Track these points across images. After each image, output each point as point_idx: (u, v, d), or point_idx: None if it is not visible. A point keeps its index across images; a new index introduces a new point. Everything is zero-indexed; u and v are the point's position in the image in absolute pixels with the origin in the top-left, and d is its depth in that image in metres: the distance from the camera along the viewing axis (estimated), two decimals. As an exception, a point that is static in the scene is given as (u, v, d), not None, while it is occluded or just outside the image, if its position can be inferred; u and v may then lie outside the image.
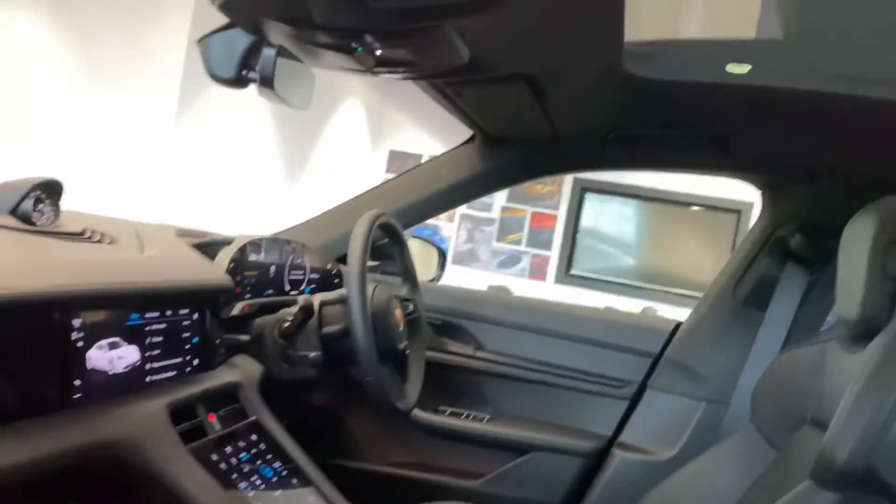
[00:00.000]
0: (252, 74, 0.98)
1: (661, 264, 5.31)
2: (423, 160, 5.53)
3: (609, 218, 5.42)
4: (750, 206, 4.80)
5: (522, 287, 5.21)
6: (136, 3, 3.26)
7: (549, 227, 5.39)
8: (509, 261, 5.40)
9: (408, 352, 1.46)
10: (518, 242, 5.39)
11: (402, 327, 1.39)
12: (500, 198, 5.39)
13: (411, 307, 1.52)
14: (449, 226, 5.44)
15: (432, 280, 2.02)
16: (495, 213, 5.40)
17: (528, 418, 1.70)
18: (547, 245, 5.37)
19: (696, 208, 5.12)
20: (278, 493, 1.03)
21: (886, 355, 1.04)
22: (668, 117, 1.42)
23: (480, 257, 5.43)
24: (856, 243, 1.16)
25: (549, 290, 5.30)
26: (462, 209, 5.42)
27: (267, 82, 0.95)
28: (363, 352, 1.20)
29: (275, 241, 1.47)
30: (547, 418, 1.70)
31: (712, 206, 4.99)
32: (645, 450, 1.61)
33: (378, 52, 0.96)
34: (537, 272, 5.37)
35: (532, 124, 1.41)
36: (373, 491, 1.65)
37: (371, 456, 1.71)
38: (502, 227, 5.41)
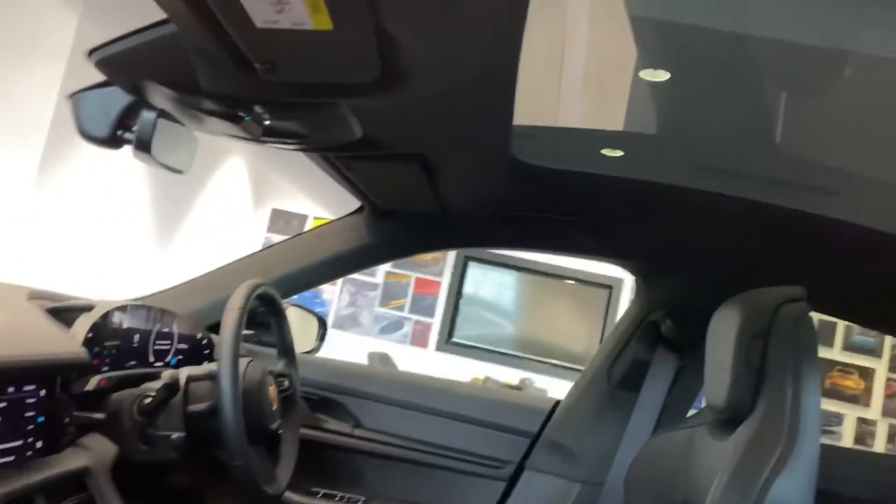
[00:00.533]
0: (128, 135, 0.92)
1: (538, 334, 5.43)
2: (309, 222, 5.45)
3: (490, 287, 5.52)
4: (621, 281, 5.04)
5: (404, 354, 5.16)
6: (5, 49, 3.05)
7: (433, 294, 5.41)
8: (392, 326, 5.36)
9: (280, 431, 1.38)
10: (401, 308, 5.36)
11: (275, 406, 1.32)
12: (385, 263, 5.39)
13: (287, 383, 1.44)
14: (331, 289, 5.34)
15: (311, 351, 1.95)
16: (379, 278, 5.37)
17: (405, 500, 1.65)
18: (430, 312, 5.38)
19: (571, 282, 5.31)
20: None
21: (750, 445, 1.08)
22: (552, 202, 1.47)
23: (362, 322, 5.35)
24: (722, 334, 1.21)
25: (431, 358, 5.28)
26: (346, 272, 5.35)
27: (144, 146, 0.90)
28: (232, 434, 1.12)
29: (140, 308, 1.36)
30: (424, 500, 1.65)
31: (586, 281, 5.20)
32: None
33: (266, 123, 0.93)
34: (419, 339, 5.35)
35: (422, 200, 1.42)
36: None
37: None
38: (386, 292, 5.38)
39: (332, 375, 1.73)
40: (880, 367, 4.96)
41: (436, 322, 5.37)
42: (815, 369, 1.15)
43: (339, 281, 5.35)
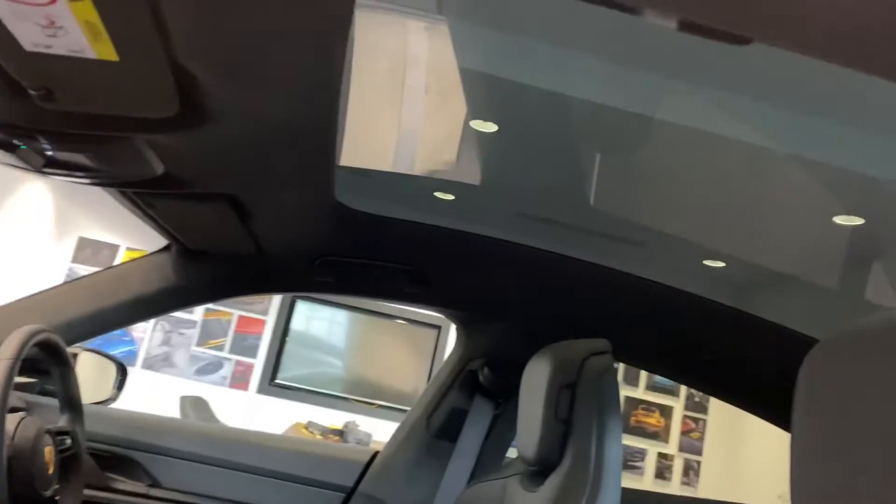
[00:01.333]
0: None
1: (367, 374, 5.36)
2: (121, 253, 5.02)
3: (320, 325, 5.38)
4: (449, 322, 5.11)
5: (222, 397, 4.87)
6: None
7: (256, 333, 5.17)
8: (209, 368, 5.04)
9: (58, 497, 1.21)
10: (221, 348, 5.07)
11: (52, 469, 1.15)
12: (204, 299, 5.08)
13: (69, 441, 1.28)
14: (142, 325, 4.94)
15: (107, 401, 1.75)
16: (198, 316, 5.05)
17: None
18: (252, 352, 5.13)
19: (401, 321, 5.31)
20: None
21: (557, 498, 1.10)
22: (376, 249, 1.44)
23: (176, 363, 4.99)
24: (533, 385, 1.23)
25: (251, 401, 5.02)
26: (160, 309, 4.98)
27: None
28: None
29: None
30: None
31: (416, 321, 5.23)
32: None
33: (48, 154, 0.82)
34: (239, 381, 5.07)
35: (235, 242, 1.33)
36: None
37: None
38: (205, 330, 5.06)
39: (125, 429, 1.57)
40: (677, 406, 5.40)
41: (258, 363, 5.13)
42: (617, 419, 1.20)
43: (153, 318, 4.97)
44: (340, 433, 4.21)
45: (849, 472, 0.53)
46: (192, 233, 1.32)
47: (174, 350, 5.00)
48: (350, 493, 1.59)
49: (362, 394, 5.21)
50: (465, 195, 1.79)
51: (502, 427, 1.63)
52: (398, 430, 1.69)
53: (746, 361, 1.59)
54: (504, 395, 1.61)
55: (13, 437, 1.09)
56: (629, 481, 5.21)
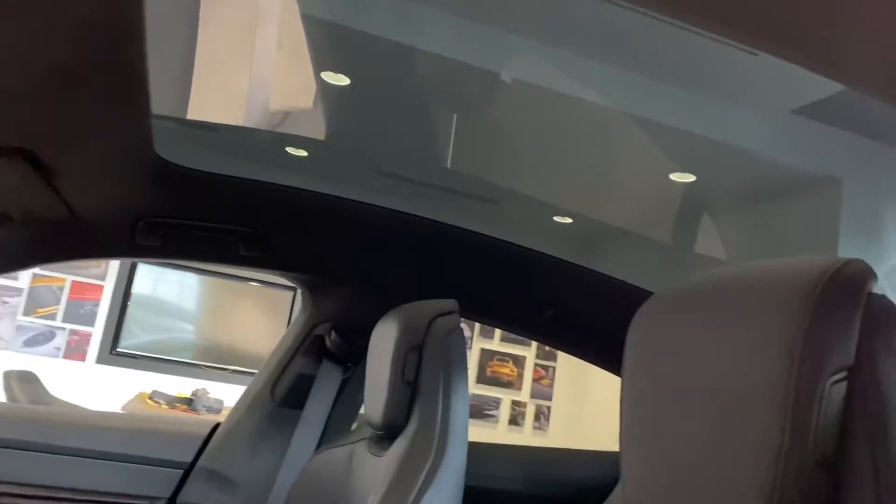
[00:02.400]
0: None
1: (219, 339, 5.14)
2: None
3: (166, 290, 5.06)
4: (305, 283, 4.97)
5: (56, 369, 4.49)
6: None
7: (94, 300, 4.79)
8: (40, 338, 4.62)
9: None
10: (52, 317, 4.65)
11: None
12: (30, 264, 4.62)
13: None
14: (-45, 296, 4.43)
15: None
16: (24, 283, 4.59)
17: None
18: (89, 320, 4.75)
19: (254, 283, 5.12)
20: None
21: (403, 461, 1.08)
22: (207, 209, 1.33)
23: (1, 335, 4.53)
24: (380, 348, 1.20)
25: (90, 372, 4.67)
26: (-23, 276, 4.48)
27: None
28: None
29: None
30: None
31: (269, 283, 5.05)
32: None
33: None
34: (75, 351, 4.69)
35: (41, 204, 1.17)
36: None
37: None
38: (32, 298, 4.62)
39: None
40: (529, 355, 5.64)
41: (97, 331, 4.76)
42: (463, 379, 1.19)
43: (-31, 286, 4.47)
44: (189, 402, 4.02)
45: (669, 416, 0.54)
46: (-15, 193, 1.15)
47: (-4, 321, 4.53)
48: (188, 469, 1.49)
49: (215, 360, 5.00)
50: (318, 152, 1.70)
51: (351, 392, 1.59)
52: (240, 399, 1.60)
53: (589, 315, 1.65)
54: (352, 360, 1.57)
55: None
56: (485, 429, 5.41)
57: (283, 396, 1.56)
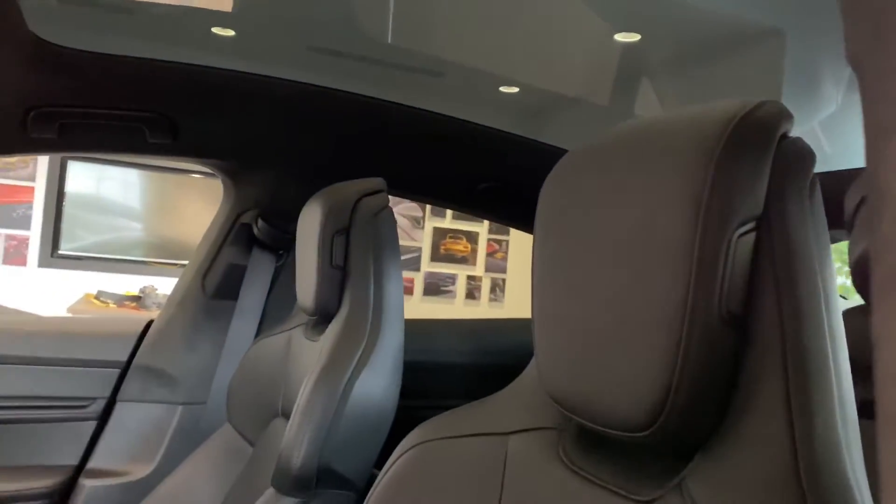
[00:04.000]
0: None
1: (166, 234, 5.01)
2: None
3: (108, 187, 4.86)
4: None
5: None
6: None
7: (27, 202, 4.58)
8: (-27, 246, 4.44)
9: None
10: (-17, 223, 4.45)
11: None
12: (-50, 169, 4.36)
13: None
14: None
15: None
16: (-57, 189, 4.35)
17: None
18: (25, 223, 4.56)
19: (196, 175, 4.94)
20: None
21: (336, 345, 1.05)
22: (105, 95, 1.21)
23: (-70, 245, 4.33)
24: (306, 233, 1.15)
25: (32, 276, 4.55)
26: None
27: None
28: None
29: None
30: None
31: (212, 174, 4.88)
32: (118, 472, 1.42)
33: None
34: (15, 256, 4.54)
35: None
36: None
37: None
38: (-42, 205, 4.40)
39: None
40: (482, 231, 5.66)
41: (34, 234, 4.59)
42: (395, 258, 1.15)
43: None
44: (137, 299, 3.96)
45: (577, 276, 0.51)
46: None
47: (-78, 231, 4.32)
48: (125, 368, 1.46)
49: (163, 255, 4.89)
50: (248, 29, 1.56)
51: (286, 279, 1.55)
52: (171, 294, 1.55)
53: (529, 186, 1.60)
54: (284, 247, 1.51)
55: None
56: (443, 305, 5.51)
57: (214, 289, 1.50)
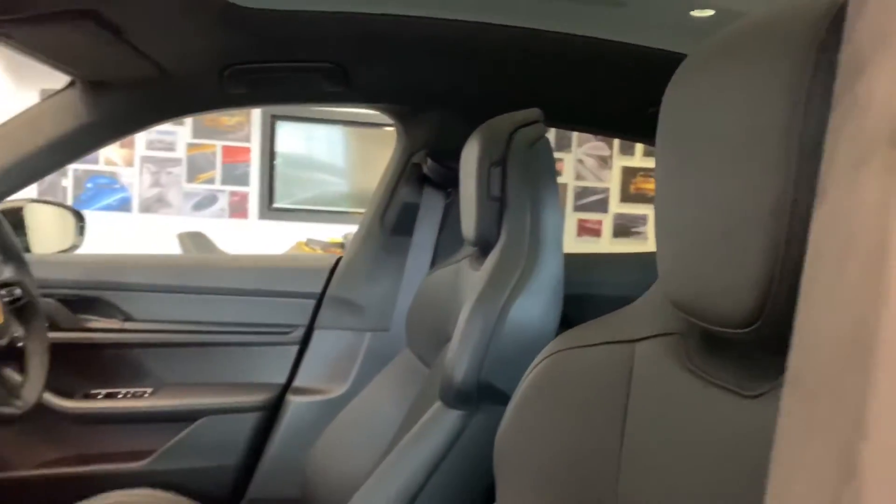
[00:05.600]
0: None
1: (364, 187, 5.37)
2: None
3: (308, 144, 5.30)
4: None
5: (224, 228, 4.95)
6: None
7: (245, 162, 5.13)
8: (205, 202, 5.07)
9: (20, 344, 1.25)
10: (211, 181, 5.06)
11: (1, 319, 1.18)
12: (184, 134, 4.97)
13: (18, 291, 1.29)
14: (129, 171, 4.91)
15: (70, 248, 1.77)
16: (181, 152, 4.99)
17: (195, 383, 1.60)
18: (243, 180, 5.12)
19: (389, 128, 5.22)
20: None
21: (493, 273, 1.10)
22: (285, 50, 1.34)
23: (171, 202, 5.02)
24: (466, 168, 1.20)
25: (254, 227, 5.11)
26: (141, 150, 4.91)
27: None
28: None
29: None
30: (216, 380, 1.61)
31: (401, 125, 5.11)
32: (318, 390, 1.61)
33: None
34: (238, 210, 5.12)
35: (128, 65, 1.24)
36: (20, 500, 1.44)
37: (16, 462, 1.48)
38: (191, 166, 5.02)
39: (91, 271, 1.59)
40: (673, 169, 5.40)
41: (253, 190, 5.14)
42: (552, 188, 1.17)
43: (137, 160, 4.92)
44: (341, 245, 4.31)
45: (691, 176, 0.50)
46: (76, 62, 1.22)
47: (166, 190, 5.00)
48: (320, 297, 1.63)
49: (363, 206, 5.25)
50: None
51: (455, 215, 1.62)
52: (356, 232, 1.69)
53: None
54: (452, 184, 1.58)
55: None
56: (634, 246, 5.37)
57: (392, 226, 1.62)
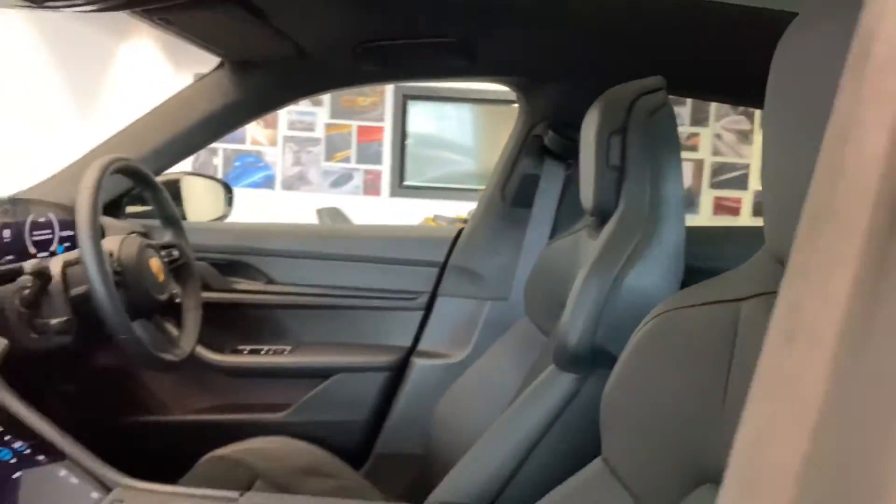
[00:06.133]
0: None
1: (493, 165, 5.40)
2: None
3: (438, 124, 5.42)
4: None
5: (358, 205, 5.17)
6: None
7: (378, 141, 5.32)
8: (342, 179, 5.32)
9: (178, 300, 1.40)
10: (347, 160, 5.29)
11: (162, 277, 1.32)
12: (322, 115, 5.23)
13: (176, 253, 1.44)
14: (272, 150, 5.24)
15: (220, 217, 1.94)
16: (319, 132, 5.25)
17: (329, 343, 1.71)
18: (377, 159, 5.32)
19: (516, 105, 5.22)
20: (18, 475, 0.97)
21: (609, 240, 1.11)
22: (413, 26, 1.40)
23: (311, 179, 5.31)
24: (586, 137, 1.21)
25: (386, 204, 5.30)
26: (283, 130, 5.22)
27: None
28: (108, 311, 1.13)
29: (3, 202, 1.33)
30: (347, 340, 1.72)
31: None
32: (441, 354, 1.68)
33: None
34: (371, 188, 5.34)
35: (271, 45, 1.34)
36: (177, 441, 1.61)
37: (174, 407, 1.67)
38: (329, 145, 5.28)
39: (238, 237, 1.74)
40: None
41: (385, 168, 5.33)
42: (674, 158, 1.15)
43: (280, 140, 5.24)
44: (465, 221, 4.38)
45: (811, 136, 0.50)
46: (226, 44, 1.34)
47: (307, 168, 5.29)
48: (443, 266, 1.70)
49: (490, 182, 5.29)
50: None
51: (576, 187, 1.62)
52: (478, 204, 1.74)
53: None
54: (572, 156, 1.59)
55: (118, 255, 1.25)
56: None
57: (512, 197, 1.65)
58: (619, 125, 1.14)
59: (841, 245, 0.20)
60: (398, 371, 1.68)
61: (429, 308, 1.71)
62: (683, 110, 5.15)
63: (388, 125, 5.29)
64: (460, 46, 1.43)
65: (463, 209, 4.83)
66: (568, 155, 1.58)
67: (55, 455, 1.03)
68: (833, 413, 0.19)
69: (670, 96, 1.18)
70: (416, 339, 1.71)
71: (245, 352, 1.68)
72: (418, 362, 1.67)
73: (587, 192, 1.20)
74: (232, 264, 1.71)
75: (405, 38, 1.42)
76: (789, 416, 0.20)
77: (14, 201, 1.36)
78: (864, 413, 0.18)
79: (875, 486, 0.17)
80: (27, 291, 1.19)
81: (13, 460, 0.98)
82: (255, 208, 5.11)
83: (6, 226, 1.32)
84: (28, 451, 1.02)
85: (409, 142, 5.36)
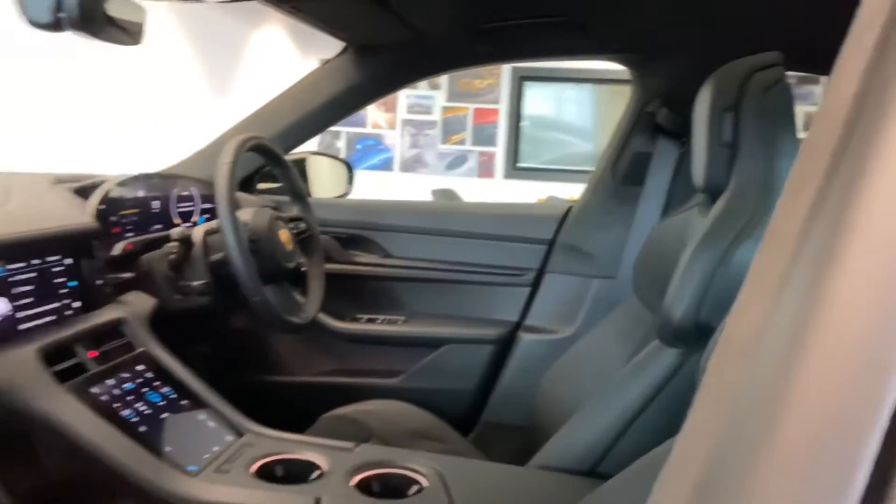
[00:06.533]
0: (62, 15, 0.97)
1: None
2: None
3: (555, 106, 5.38)
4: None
5: (471, 186, 5.24)
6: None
7: (493, 123, 5.36)
8: (457, 162, 5.41)
9: (304, 269, 1.51)
10: (462, 142, 5.37)
11: (290, 247, 1.43)
12: (440, 98, 5.33)
13: (303, 226, 1.56)
14: (391, 133, 5.40)
15: (343, 195, 2.06)
16: (436, 115, 5.36)
17: (440, 315, 1.79)
18: (491, 141, 5.36)
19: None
20: (165, 415, 1.10)
21: (719, 217, 1.11)
22: (528, 5, 1.43)
23: (427, 162, 5.43)
24: (698, 114, 1.20)
25: (499, 186, 5.34)
26: (402, 114, 5.36)
27: (75, 24, 0.94)
28: (243, 276, 1.25)
29: (152, 177, 1.49)
30: (457, 313, 1.79)
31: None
32: (547, 329, 1.71)
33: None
34: (485, 170, 5.39)
35: (392, 31, 1.41)
36: (299, 399, 1.74)
37: (297, 369, 1.80)
38: (445, 127, 5.38)
39: (360, 214, 1.84)
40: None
41: (499, 150, 5.36)
42: (790, 135, 1.13)
43: (398, 123, 5.38)
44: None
45: None
46: (350, 30, 1.43)
47: (424, 151, 5.42)
48: (551, 243, 1.73)
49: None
50: None
51: (689, 165, 1.60)
52: (588, 182, 1.75)
53: None
54: (686, 133, 1.57)
55: (252, 225, 1.37)
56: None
57: (623, 175, 1.65)
58: (731, 101, 1.13)
59: None
60: (505, 344, 1.73)
61: (536, 284, 1.75)
62: (817, 89, 4.85)
63: (503, 107, 5.31)
64: (574, 25, 1.44)
65: (577, 191, 4.78)
66: (682, 132, 1.56)
67: (196, 402, 1.16)
68: None
69: (800, 74, 1.15)
70: (523, 314, 1.75)
71: (363, 320, 1.79)
72: (524, 336, 1.71)
73: (698, 169, 1.19)
74: (352, 238, 1.82)
75: (519, 18, 1.45)
76: None
77: (161, 176, 1.51)
78: None
79: None
80: (173, 256, 1.33)
81: (162, 402, 1.12)
82: (373, 190, 5.30)
83: (155, 198, 1.47)
84: (174, 396, 1.15)
85: (525, 123, 5.37)
